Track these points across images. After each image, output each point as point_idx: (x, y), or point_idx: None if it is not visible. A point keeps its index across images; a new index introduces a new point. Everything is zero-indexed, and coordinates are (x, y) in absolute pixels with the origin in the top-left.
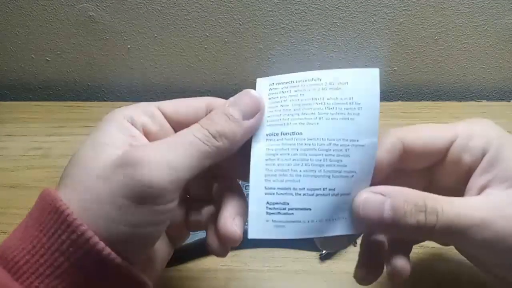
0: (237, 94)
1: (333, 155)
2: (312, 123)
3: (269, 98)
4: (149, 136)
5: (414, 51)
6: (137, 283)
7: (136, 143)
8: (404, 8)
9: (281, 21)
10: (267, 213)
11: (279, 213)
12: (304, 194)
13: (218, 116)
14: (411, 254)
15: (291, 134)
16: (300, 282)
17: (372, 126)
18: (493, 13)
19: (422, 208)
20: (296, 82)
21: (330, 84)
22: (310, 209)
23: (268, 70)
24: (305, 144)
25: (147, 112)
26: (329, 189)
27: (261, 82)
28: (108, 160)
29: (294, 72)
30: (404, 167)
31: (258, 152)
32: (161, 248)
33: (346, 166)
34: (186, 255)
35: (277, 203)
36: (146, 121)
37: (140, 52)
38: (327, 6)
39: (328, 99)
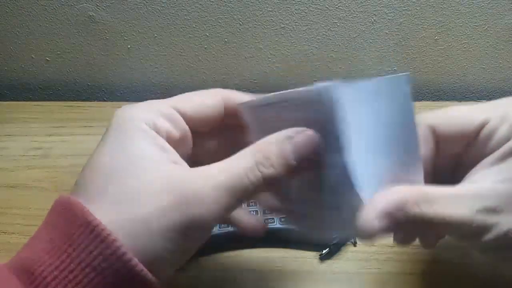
0: (295, 130)
1: None
2: None
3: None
4: (172, 143)
5: (414, 51)
6: None
7: (173, 157)
8: (404, 8)
9: (281, 21)
10: None
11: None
12: None
13: (276, 160)
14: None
15: None
16: (300, 282)
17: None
18: (493, 13)
19: (419, 201)
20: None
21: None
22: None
23: (268, 70)
24: None
25: (167, 117)
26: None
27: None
28: (154, 181)
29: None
30: (436, 155)
31: None
32: None
33: None
34: None
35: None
36: (169, 128)
37: (140, 52)
38: (327, 6)
39: None
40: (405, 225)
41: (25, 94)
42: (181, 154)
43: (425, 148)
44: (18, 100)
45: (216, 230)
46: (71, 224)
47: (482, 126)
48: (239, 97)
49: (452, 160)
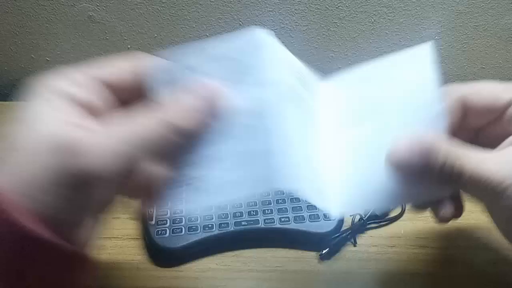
0: (198, 86)
1: None
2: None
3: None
4: (93, 112)
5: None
6: (72, 256)
7: (81, 123)
8: (404, 8)
9: (281, 21)
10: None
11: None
12: None
13: (188, 114)
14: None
15: None
16: (300, 282)
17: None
18: (493, 13)
19: (450, 158)
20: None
21: None
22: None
23: None
24: None
25: (84, 84)
26: None
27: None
28: (41, 138)
29: None
30: (460, 126)
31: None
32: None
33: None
34: (186, 255)
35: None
36: (88, 97)
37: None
38: (327, 6)
39: None
40: (432, 173)
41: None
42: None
43: (451, 119)
44: (18, 100)
45: (216, 230)
46: None
47: (510, 104)
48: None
49: (471, 134)
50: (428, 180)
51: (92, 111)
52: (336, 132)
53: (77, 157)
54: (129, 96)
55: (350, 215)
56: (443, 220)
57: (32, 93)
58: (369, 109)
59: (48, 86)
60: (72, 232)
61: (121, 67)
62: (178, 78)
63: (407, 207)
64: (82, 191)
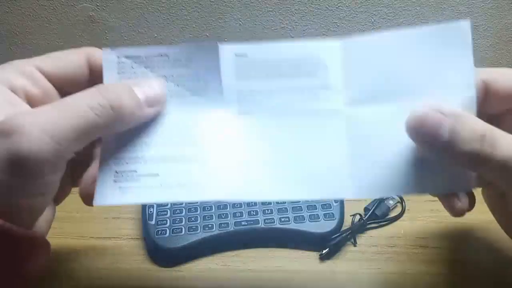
0: (143, 79)
1: None
2: None
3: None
4: (32, 101)
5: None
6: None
7: (16, 110)
8: (404, 8)
9: (281, 21)
10: (114, 181)
11: (126, 180)
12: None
13: (121, 89)
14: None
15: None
16: (300, 282)
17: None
18: (493, 13)
19: (479, 137)
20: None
21: None
22: (158, 174)
23: None
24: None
25: (25, 74)
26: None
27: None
28: None
29: None
30: (480, 110)
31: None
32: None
33: None
34: (186, 255)
35: (124, 171)
36: (26, 85)
37: None
38: (327, 6)
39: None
40: (457, 149)
41: None
42: None
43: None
44: None
45: (216, 230)
46: None
47: None
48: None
49: (492, 119)
50: (451, 160)
51: (29, 98)
52: (343, 111)
53: (17, 138)
54: (73, 89)
55: (367, 198)
56: (459, 212)
57: None
58: (388, 85)
59: None
60: (20, 218)
61: (67, 59)
62: (130, 72)
63: (407, 207)
64: (24, 176)
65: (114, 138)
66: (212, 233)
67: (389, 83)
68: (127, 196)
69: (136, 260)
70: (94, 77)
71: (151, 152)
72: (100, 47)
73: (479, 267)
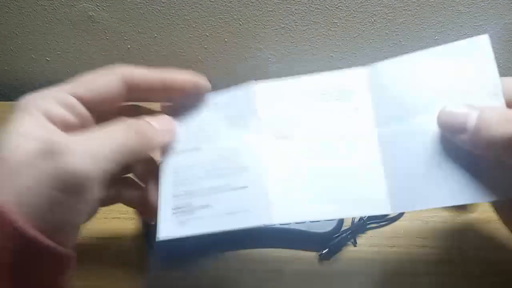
0: (156, 117)
1: None
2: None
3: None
4: (69, 129)
5: (414, 51)
6: (61, 257)
7: (52, 136)
8: (404, 8)
9: (281, 21)
10: (173, 214)
11: (183, 213)
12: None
13: (142, 122)
14: None
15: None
16: (300, 282)
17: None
18: (493, 13)
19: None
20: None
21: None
22: (208, 205)
23: (268, 70)
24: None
25: (62, 102)
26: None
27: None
28: (29, 149)
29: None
30: None
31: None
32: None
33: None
34: (186, 256)
35: (182, 205)
36: (64, 114)
37: (140, 52)
38: (327, 6)
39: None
40: (488, 144)
41: (25, 94)
42: None
43: None
44: (18, 100)
45: None
46: None
47: None
48: (139, 73)
49: None
50: (485, 149)
51: (65, 126)
52: (374, 132)
53: (63, 158)
54: (108, 108)
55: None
56: None
57: (17, 109)
58: (415, 102)
59: (29, 103)
60: (64, 235)
61: (103, 82)
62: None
63: None
64: (72, 192)
65: (172, 173)
66: (212, 234)
67: (416, 100)
68: (186, 228)
69: (136, 260)
70: (131, 96)
71: (203, 184)
72: (100, 47)
73: (479, 267)
